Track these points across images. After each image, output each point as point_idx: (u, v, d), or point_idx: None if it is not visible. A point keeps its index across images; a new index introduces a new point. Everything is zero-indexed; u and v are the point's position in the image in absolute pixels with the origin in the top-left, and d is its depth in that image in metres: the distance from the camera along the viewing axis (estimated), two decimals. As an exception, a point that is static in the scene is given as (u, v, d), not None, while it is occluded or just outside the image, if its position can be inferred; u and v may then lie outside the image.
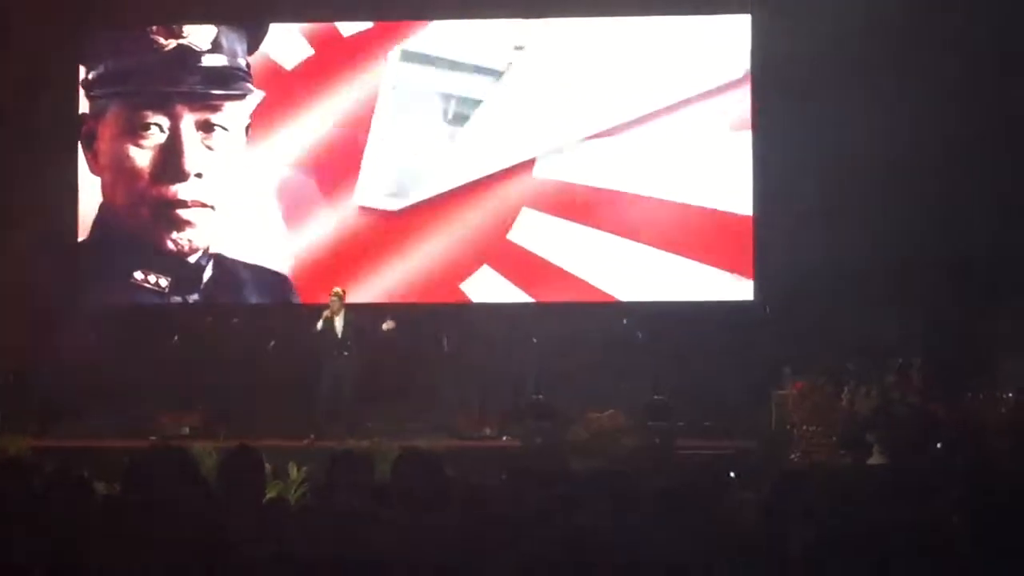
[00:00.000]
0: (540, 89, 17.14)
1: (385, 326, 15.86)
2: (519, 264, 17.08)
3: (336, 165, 17.05)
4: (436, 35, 17.18)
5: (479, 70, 16.95)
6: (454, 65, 16.94)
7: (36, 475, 6.81)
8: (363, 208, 16.94)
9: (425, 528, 5.42)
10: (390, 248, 17.11)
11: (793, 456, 14.19)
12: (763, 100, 17.02)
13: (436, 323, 17.25)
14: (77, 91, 17.18)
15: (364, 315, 16.35)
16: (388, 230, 17.05)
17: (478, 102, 16.90)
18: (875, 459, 13.52)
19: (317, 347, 15.80)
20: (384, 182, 16.98)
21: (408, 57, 17.02)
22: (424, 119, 16.94)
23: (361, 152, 16.90)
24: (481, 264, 17.07)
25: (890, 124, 15.91)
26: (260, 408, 15.97)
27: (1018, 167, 16.22)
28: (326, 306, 15.84)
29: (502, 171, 16.92)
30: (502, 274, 17.07)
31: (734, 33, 17.17)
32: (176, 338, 17.07)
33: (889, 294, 16.04)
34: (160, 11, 17.15)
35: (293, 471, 13.49)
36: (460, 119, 16.88)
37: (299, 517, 5.32)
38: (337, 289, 15.79)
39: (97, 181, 17.13)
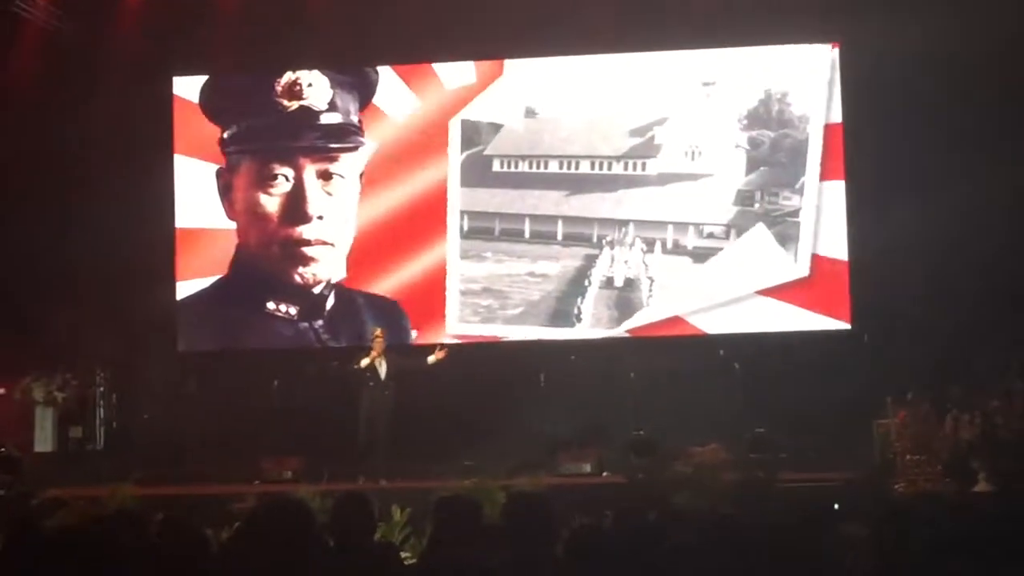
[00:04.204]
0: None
1: (431, 358, 16.21)
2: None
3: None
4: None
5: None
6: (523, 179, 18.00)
7: (148, 524, 6.87)
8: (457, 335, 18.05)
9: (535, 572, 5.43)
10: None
11: (898, 486, 14.02)
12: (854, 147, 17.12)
13: (532, 359, 17.32)
14: (171, 150, 18.22)
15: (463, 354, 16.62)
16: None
17: (556, 218, 17.89)
18: (981, 486, 13.36)
19: (357, 386, 16.36)
20: (472, 309, 18.09)
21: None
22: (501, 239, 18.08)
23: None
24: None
25: (988, 156, 15.83)
26: (359, 450, 16.11)
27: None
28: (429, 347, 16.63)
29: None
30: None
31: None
32: (276, 383, 17.41)
33: (989, 319, 15.89)
34: (255, 58, 18.32)
35: (396, 513, 13.50)
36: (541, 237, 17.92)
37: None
38: (376, 330, 16.62)
39: (191, 233, 18.27)
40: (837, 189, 17.30)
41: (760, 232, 17.32)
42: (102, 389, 17.57)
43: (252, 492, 14.34)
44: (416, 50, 17.95)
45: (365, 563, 5.72)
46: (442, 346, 16.39)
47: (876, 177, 16.72)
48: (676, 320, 17.49)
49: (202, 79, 18.37)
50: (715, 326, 17.43)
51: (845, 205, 17.17)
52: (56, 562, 5.74)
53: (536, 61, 18.09)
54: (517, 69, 18.07)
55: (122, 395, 17.52)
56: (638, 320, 17.58)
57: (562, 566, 5.54)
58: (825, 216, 17.30)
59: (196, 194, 18.19)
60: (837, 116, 17.36)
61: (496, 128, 17.93)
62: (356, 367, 16.18)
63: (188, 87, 18.34)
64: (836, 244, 17.25)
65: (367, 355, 16.22)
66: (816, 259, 17.27)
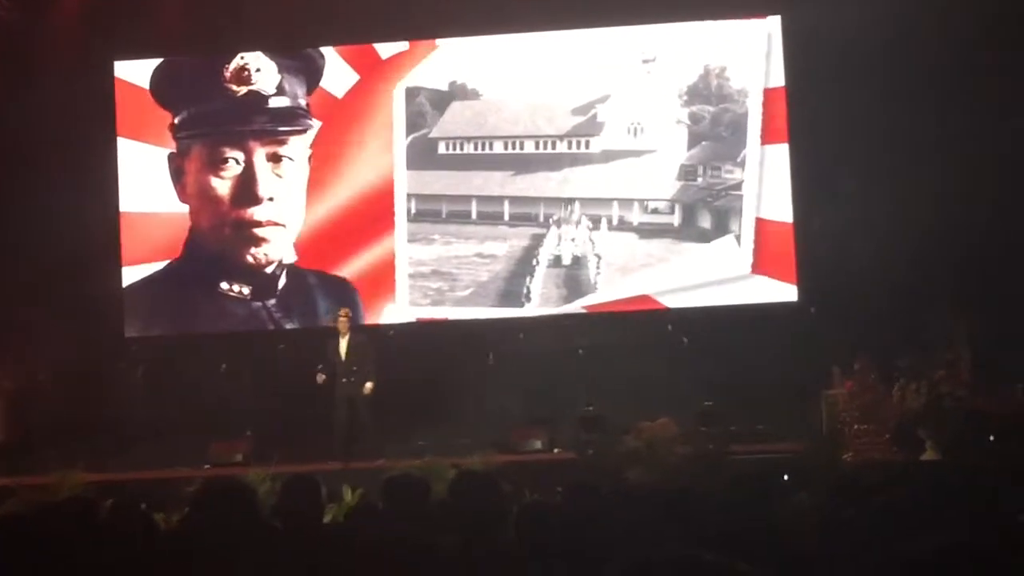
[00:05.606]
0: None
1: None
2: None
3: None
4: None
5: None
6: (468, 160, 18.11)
7: (97, 510, 6.83)
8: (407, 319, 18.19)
9: (484, 550, 5.43)
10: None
11: (846, 456, 14.10)
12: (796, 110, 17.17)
13: (481, 337, 17.33)
14: (113, 135, 18.25)
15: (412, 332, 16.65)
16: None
17: (502, 199, 18.00)
18: (928, 455, 13.46)
19: (328, 370, 16.43)
20: (422, 292, 18.14)
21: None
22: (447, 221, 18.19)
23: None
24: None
25: (931, 119, 15.91)
26: (310, 431, 16.10)
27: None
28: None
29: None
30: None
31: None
32: (223, 367, 17.38)
33: (935, 288, 15.96)
34: (194, 40, 18.27)
35: (347, 494, 13.51)
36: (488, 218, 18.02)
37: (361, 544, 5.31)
38: (342, 310, 16.88)
39: (133, 223, 18.32)
40: (780, 152, 17.38)
41: (727, 242, 17.45)
42: (49, 376, 17.43)
43: (201, 476, 14.29)
44: (355, 31, 18.01)
45: (312, 545, 5.70)
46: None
47: (819, 140, 16.77)
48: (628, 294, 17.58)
49: (144, 63, 18.30)
50: (665, 300, 17.48)
51: (789, 168, 17.23)
52: (5, 551, 5.69)
53: (475, 40, 18.15)
54: (455, 47, 18.13)
55: (69, 382, 17.38)
56: (590, 299, 17.62)
57: (511, 542, 5.53)
58: (768, 180, 17.39)
59: (142, 178, 18.16)
60: (778, 81, 17.41)
61: (440, 100, 17.93)
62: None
63: (130, 70, 18.31)
64: (780, 207, 17.33)
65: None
66: (760, 223, 17.34)
